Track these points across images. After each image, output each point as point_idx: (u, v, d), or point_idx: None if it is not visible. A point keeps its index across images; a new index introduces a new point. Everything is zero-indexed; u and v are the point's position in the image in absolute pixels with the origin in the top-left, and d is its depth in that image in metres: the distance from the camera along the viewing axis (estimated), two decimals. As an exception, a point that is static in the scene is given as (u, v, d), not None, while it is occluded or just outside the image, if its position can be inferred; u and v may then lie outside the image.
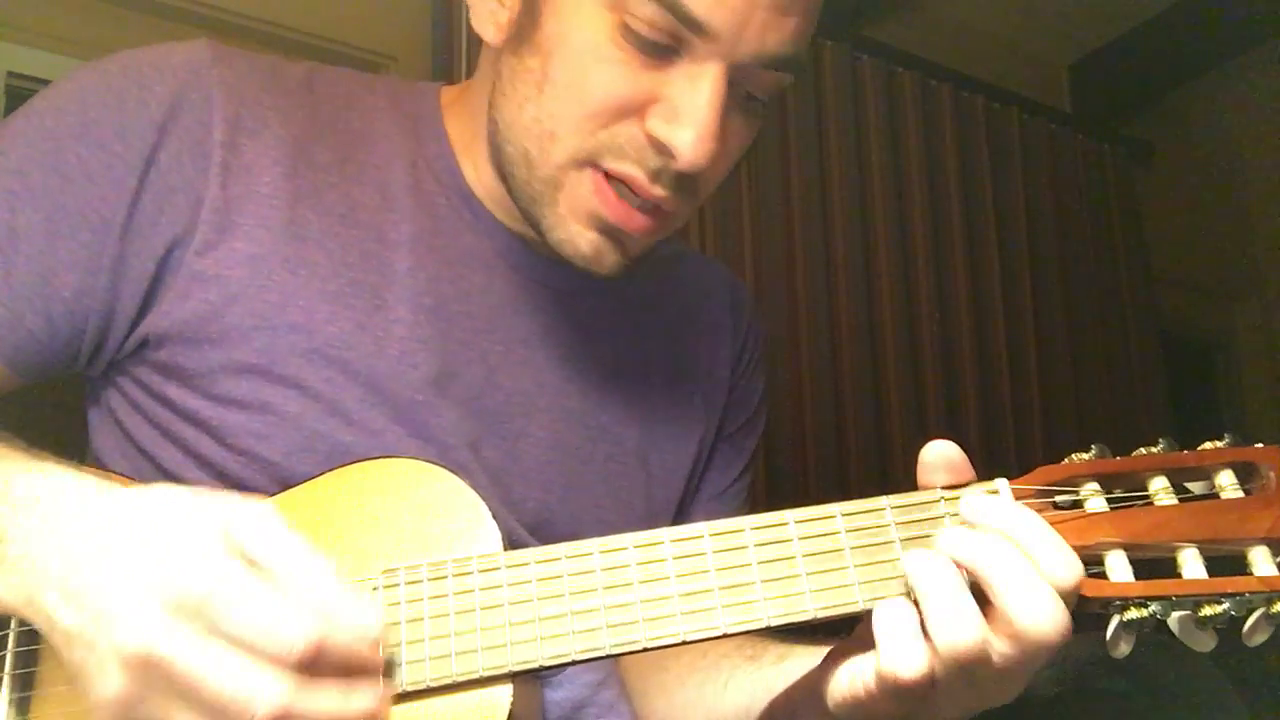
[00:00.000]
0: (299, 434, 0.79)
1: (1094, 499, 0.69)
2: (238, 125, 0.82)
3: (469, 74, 2.15)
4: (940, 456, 0.70)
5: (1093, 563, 0.67)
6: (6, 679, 0.71)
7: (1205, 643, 0.67)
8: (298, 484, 0.76)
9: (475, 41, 2.20)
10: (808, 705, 0.76)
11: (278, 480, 0.78)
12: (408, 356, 0.83)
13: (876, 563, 0.68)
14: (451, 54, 2.24)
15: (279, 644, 0.58)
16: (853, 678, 0.69)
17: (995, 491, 0.70)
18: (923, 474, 0.71)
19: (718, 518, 0.71)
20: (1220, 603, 0.65)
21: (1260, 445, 0.69)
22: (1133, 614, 0.66)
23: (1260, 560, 0.66)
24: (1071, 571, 0.64)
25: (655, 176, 0.79)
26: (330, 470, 0.75)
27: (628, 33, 0.76)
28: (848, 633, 0.73)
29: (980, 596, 0.65)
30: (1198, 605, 0.66)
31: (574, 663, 0.68)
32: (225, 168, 0.81)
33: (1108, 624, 0.67)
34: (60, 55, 1.94)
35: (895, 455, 2.66)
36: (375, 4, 2.26)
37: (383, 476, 0.74)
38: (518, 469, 0.88)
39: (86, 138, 0.79)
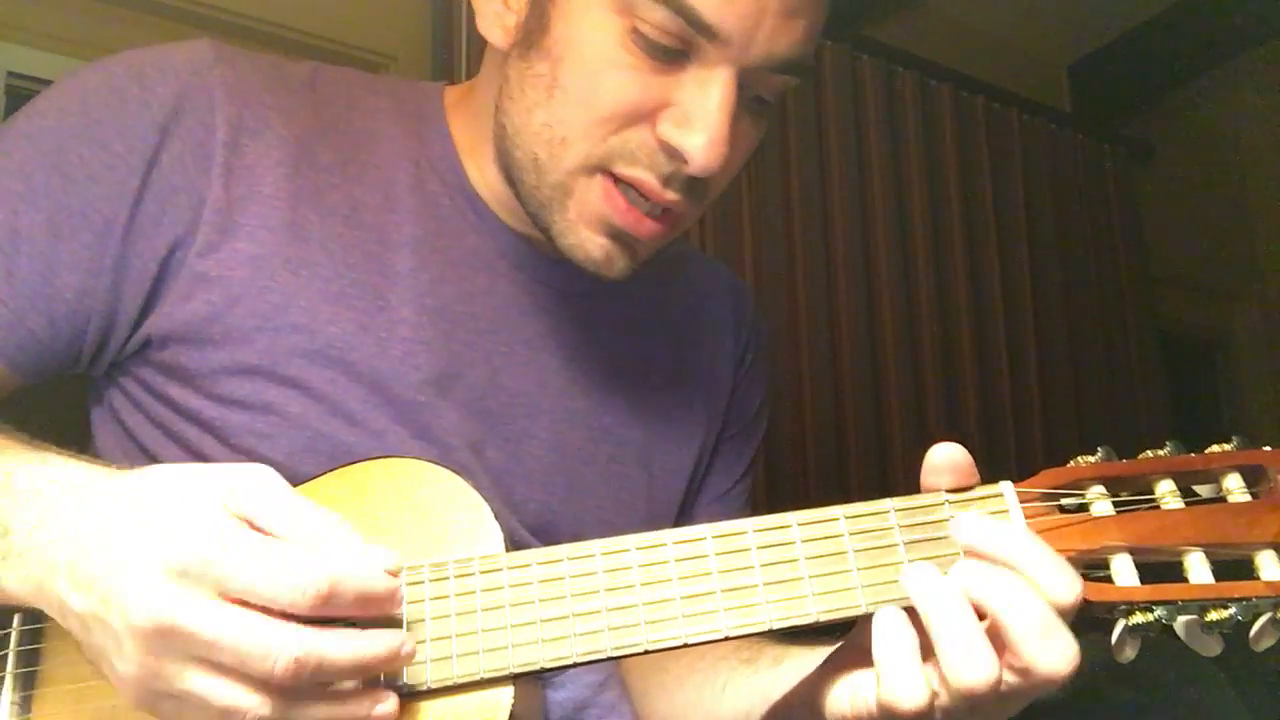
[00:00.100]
0: (301, 434, 0.79)
1: (1100, 502, 0.69)
2: (240, 126, 0.82)
3: (469, 74, 2.14)
4: (946, 459, 0.70)
5: (1098, 566, 0.67)
6: (9, 677, 0.71)
7: (1211, 647, 0.66)
8: (300, 484, 0.75)
9: (475, 41, 2.20)
10: (805, 718, 0.76)
11: (280, 480, 0.78)
12: (410, 357, 0.83)
13: (880, 566, 0.68)
14: (451, 54, 2.24)
15: (289, 593, 0.58)
16: (854, 698, 0.69)
17: (999, 495, 0.69)
18: (927, 476, 0.71)
19: (720, 519, 0.71)
20: (1227, 607, 0.65)
21: (1268, 449, 0.69)
22: (1138, 618, 0.66)
23: (1267, 564, 0.66)
24: (1071, 592, 0.64)
25: (667, 181, 0.79)
26: (332, 470, 0.75)
27: (638, 37, 0.76)
28: (843, 633, 0.73)
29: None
30: (1204, 610, 0.65)
31: (575, 664, 0.67)
32: (228, 168, 0.81)
33: (1113, 628, 0.67)
34: (60, 55, 1.93)
35: (895, 455, 2.66)
36: (375, 4, 2.26)
37: (384, 477, 0.74)
38: (520, 470, 0.88)
39: (89, 138, 0.79)
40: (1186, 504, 0.69)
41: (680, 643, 0.67)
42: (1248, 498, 0.68)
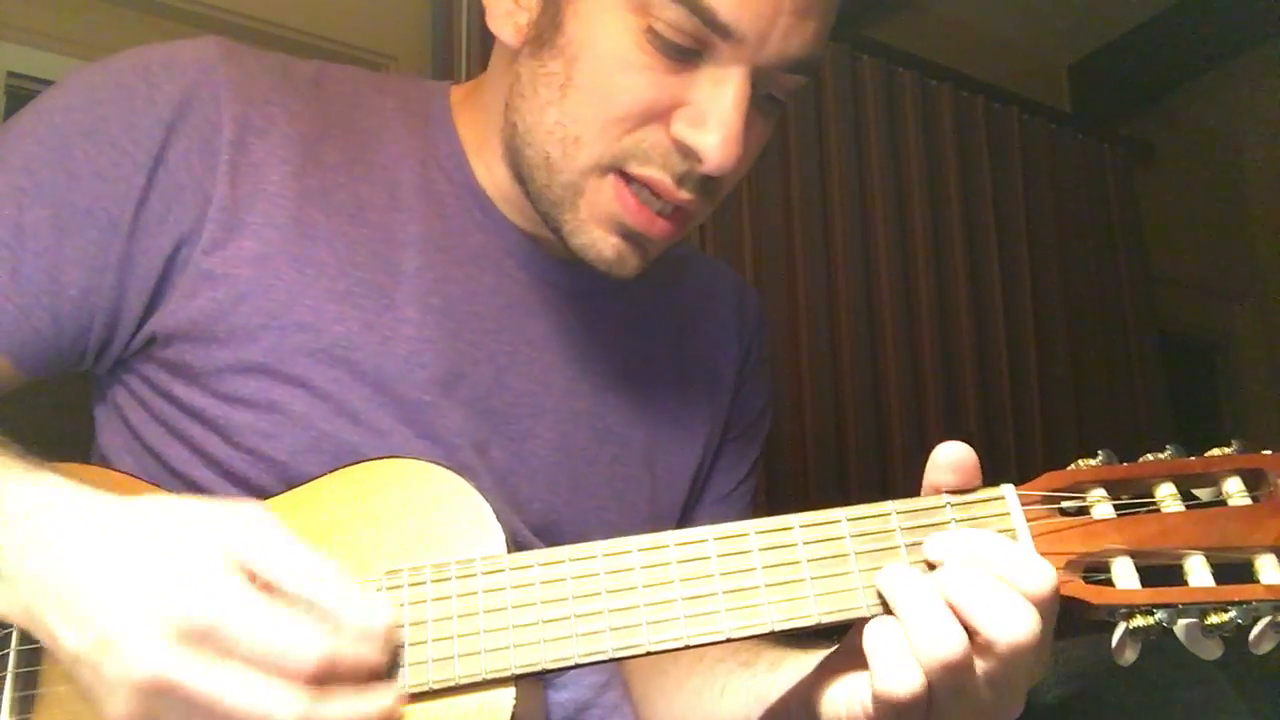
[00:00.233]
0: (306, 433, 0.79)
1: (1101, 505, 0.69)
2: (246, 124, 0.82)
3: (469, 74, 2.15)
4: (950, 458, 0.70)
5: (1099, 569, 0.67)
6: (9, 677, 0.71)
7: (1212, 650, 0.67)
8: (303, 484, 0.76)
9: (476, 41, 2.21)
10: None
11: (284, 479, 0.78)
12: (415, 357, 0.83)
13: (881, 567, 0.68)
14: (452, 53, 2.24)
15: (292, 663, 0.59)
16: (850, 698, 0.69)
17: (1001, 498, 0.69)
18: (930, 474, 0.71)
19: (722, 520, 0.71)
20: (1227, 610, 0.65)
21: (1268, 452, 0.69)
22: (1139, 621, 0.66)
23: (1267, 568, 0.66)
24: (1042, 579, 0.64)
25: (680, 180, 0.79)
26: (335, 470, 0.75)
27: (653, 36, 0.76)
28: (840, 637, 0.73)
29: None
30: (1204, 613, 0.66)
31: (577, 665, 0.68)
32: (233, 166, 0.81)
33: (1114, 631, 0.67)
34: (60, 55, 1.93)
35: (895, 455, 2.67)
36: (375, 4, 2.26)
37: (387, 477, 0.74)
38: (524, 470, 0.88)
39: (95, 135, 0.79)
40: (1187, 507, 0.69)
41: (682, 644, 0.67)
42: (1248, 501, 0.68)
